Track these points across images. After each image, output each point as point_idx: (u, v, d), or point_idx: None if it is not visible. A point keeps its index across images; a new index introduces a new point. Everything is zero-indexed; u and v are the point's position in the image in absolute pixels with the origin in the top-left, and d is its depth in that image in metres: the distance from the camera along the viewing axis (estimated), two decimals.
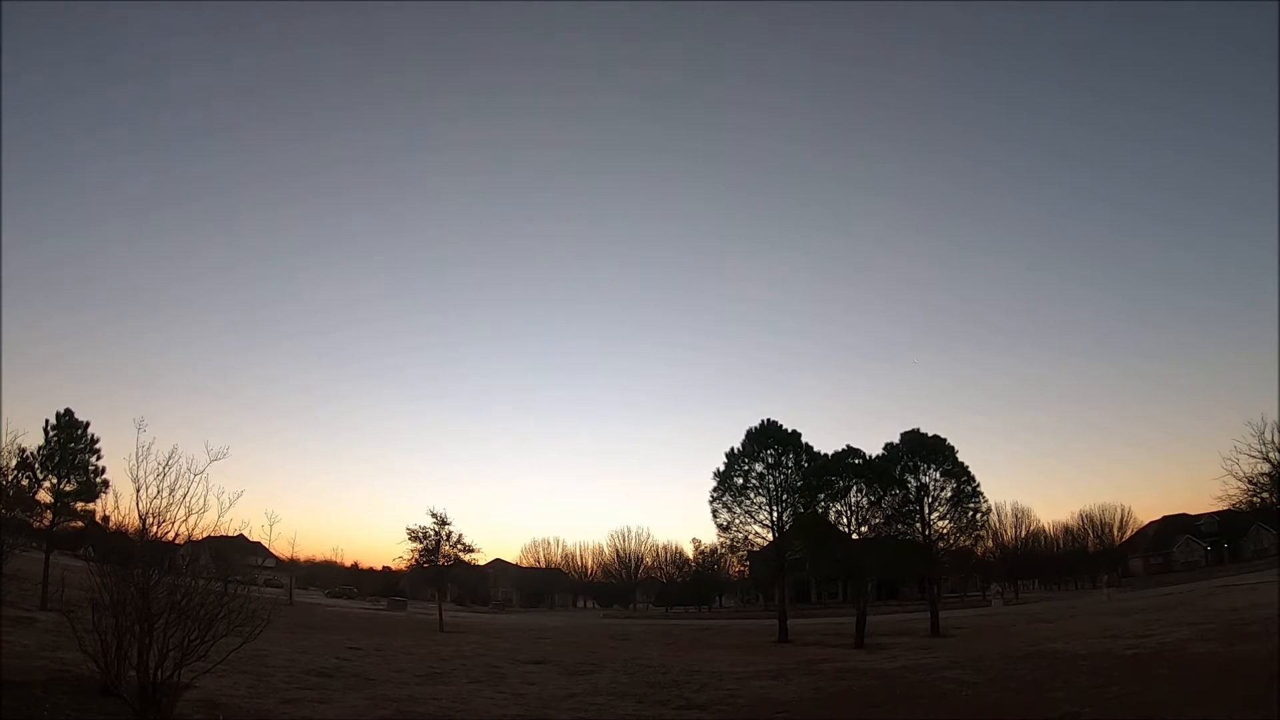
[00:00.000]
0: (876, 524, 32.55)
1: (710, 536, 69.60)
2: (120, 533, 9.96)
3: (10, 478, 28.13)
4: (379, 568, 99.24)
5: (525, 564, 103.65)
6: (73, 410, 30.25)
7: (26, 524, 31.55)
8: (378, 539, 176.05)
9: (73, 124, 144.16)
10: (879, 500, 32.51)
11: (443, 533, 43.61)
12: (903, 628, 35.23)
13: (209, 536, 11.16)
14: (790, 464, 35.85)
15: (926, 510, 33.39)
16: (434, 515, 43.61)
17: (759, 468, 36.02)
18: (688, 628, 46.23)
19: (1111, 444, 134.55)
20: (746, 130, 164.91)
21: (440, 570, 45.55)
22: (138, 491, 9.31)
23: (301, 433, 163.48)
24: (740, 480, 36.06)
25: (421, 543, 43.68)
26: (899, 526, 32.97)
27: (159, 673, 8.50)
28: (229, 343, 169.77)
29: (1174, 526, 76.64)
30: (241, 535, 26.36)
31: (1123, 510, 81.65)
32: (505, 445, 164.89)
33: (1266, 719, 9.82)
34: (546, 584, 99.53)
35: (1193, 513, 74.81)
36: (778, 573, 38.21)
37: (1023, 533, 78.98)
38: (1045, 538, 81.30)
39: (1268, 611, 21.22)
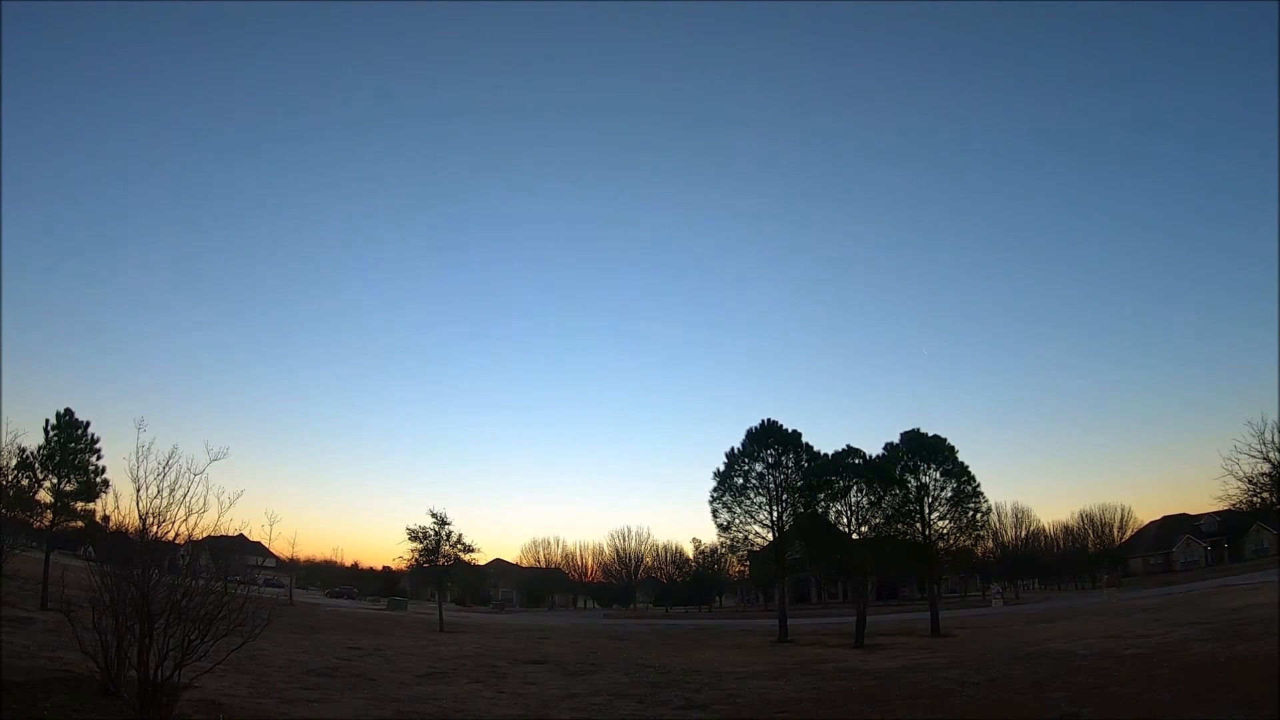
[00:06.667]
0: (876, 524, 32.52)
1: (710, 536, 69.81)
2: (120, 533, 9.92)
3: (10, 478, 28.10)
4: (379, 568, 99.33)
5: (525, 564, 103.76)
6: (73, 410, 30.26)
7: (27, 524, 31.54)
8: (378, 539, 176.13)
9: (74, 124, 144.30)
10: (879, 500, 32.48)
11: (443, 533, 43.67)
12: (903, 628, 35.22)
13: (209, 536, 11.14)
14: (790, 464, 35.85)
15: (926, 510, 33.39)
16: (434, 515, 43.73)
17: (759, 468, 36.03)
18: (688, 628, 46.20)
19: (1111, 444, 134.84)
20: (747, 131, 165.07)
21: (440, 570, 45.55)
22: (138, 491, 9.28)
23: (301, 433, 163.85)
24: (740, 480, 36.06)
25: (421, 543, 43.73)
26: (899, 526, 32.95)
27: (159, 673, 8.49)
28: (229, 343, 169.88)
29: (1174, 526, 76.62)
30: (241, 535, 26.30)
31: (1123, 510, 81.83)
32: (505, 445, 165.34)
33: (1267, 719, 9.81)
34: (546, 584, 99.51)
35: (1193, 513, 74.87)
36: (778, 573, 38.21)
37: (1023, 533, 79.12)
38: (1045, 538, 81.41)
39: (1268, 611, 21.21)
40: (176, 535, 9.56)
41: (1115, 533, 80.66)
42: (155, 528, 9.31)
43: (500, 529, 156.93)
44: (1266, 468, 29.20)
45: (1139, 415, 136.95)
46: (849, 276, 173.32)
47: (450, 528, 43.88)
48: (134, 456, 9.33)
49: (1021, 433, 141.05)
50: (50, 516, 29.59)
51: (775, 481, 35.68)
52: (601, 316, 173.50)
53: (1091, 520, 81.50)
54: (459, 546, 44.34)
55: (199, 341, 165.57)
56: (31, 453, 28.80)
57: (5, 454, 27.28)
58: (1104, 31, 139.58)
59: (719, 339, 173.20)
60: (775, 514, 35.30)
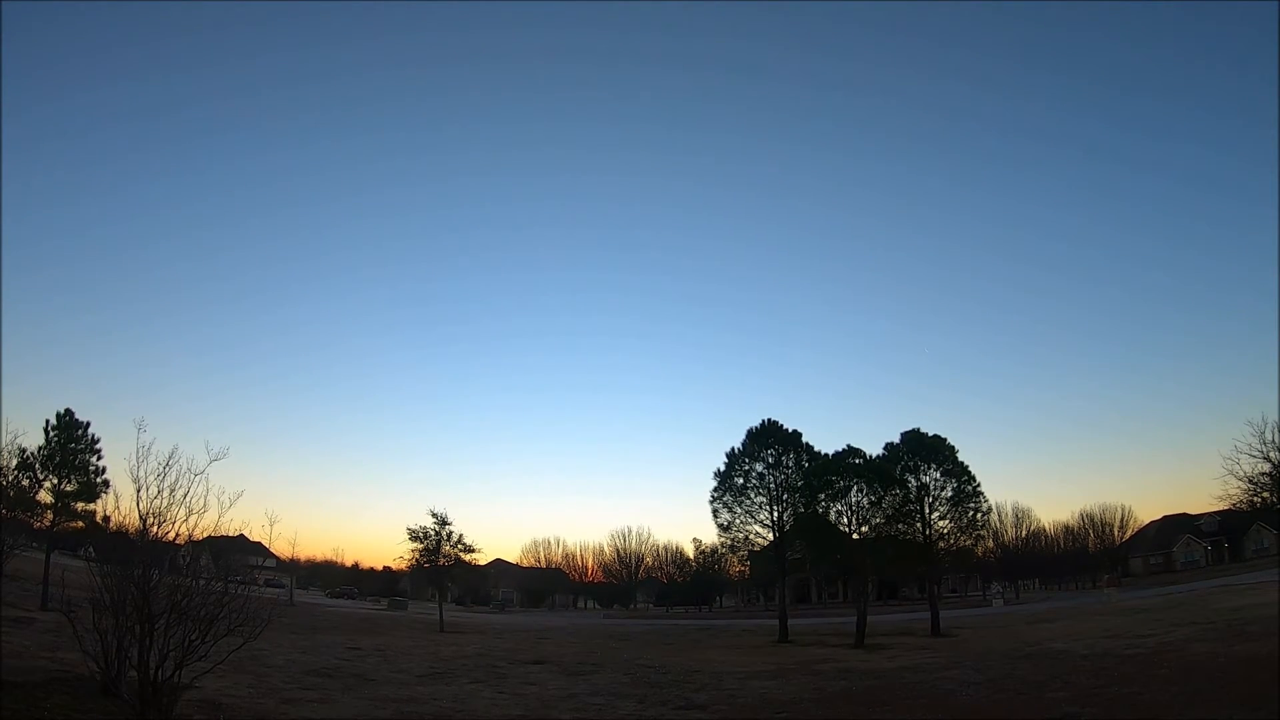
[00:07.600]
0: (877, 524, 32.51)
1: (710, 536, 69.63)
2: (121, 533, 9.89)
3: (11, 478, 28.09)
4: (379, 568, 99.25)
5: (526, 564, 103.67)
6: (73, 410, 30.23)
7: (27, 524, 31.51)
8: (378, 539, 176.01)
9: (75, 124, 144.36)
10: (879, 500, 32.48)
11: (443, 533, 43.68)
12: (903, 628, 35.22)
13: (209, 536, 11.12)
14: (790, 464, 35.83)
15: (927, 510, 33.39)
16: (434, 515, 43.74)
17: (759, 468, 36.01)
18: (688, 628, 46.18)
19: (1111, 444, 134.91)
20: (748, 131, 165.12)
21: (441, 570, 45.53)
22: (138, 492, 9.26)
23: (302, 432, 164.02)
24: (741, 480, 36.04)
25: (422, 543, 43.73)
26: (899, 526, 32.95)
27: (159, 673, 8.49)
28: (229, 343, 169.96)
29: (1174, 526, 76.59)
30: (242, 535, 26.22)
31: (1123, 510, 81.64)
32: (506, 445, 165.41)
33: (1266, 719, 9.81)
34: (547, 584, 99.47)
35: (1193, 512, 74.83)
36: (778, 573, 38.19)
37: (1023, 533, 79.09)
38: (1045, 538, 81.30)
39: (1268, 611, 21.21)
40: (177, 535, 9.55)
41: (1115, 533, 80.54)
42: (155, 528, 9.30)
43: (500, 529, 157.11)
44: (1267, 467, 29.12)
45: (1139, 415, 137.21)
46: (849, 276, 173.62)
47: (451, 528, 43.95)
48: (134, 457, 9.32)
49: (1021, 433, 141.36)
50: (50, 517, 29.56)
51: (775, 481, 35.66)
52: (601, 317, 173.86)
53: (1092, 520, 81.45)
54: (459, 547, 44.37)
55: (199, 341, 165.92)
56: (32, 453, 28.79)
57: (5, 454, 27.28)
58: (1104, 31, 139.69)
59: (719, 339, 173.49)
60: (775, 514, 35.28)
